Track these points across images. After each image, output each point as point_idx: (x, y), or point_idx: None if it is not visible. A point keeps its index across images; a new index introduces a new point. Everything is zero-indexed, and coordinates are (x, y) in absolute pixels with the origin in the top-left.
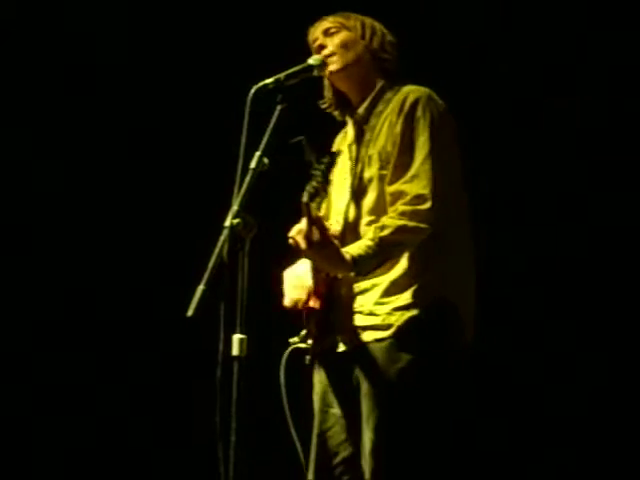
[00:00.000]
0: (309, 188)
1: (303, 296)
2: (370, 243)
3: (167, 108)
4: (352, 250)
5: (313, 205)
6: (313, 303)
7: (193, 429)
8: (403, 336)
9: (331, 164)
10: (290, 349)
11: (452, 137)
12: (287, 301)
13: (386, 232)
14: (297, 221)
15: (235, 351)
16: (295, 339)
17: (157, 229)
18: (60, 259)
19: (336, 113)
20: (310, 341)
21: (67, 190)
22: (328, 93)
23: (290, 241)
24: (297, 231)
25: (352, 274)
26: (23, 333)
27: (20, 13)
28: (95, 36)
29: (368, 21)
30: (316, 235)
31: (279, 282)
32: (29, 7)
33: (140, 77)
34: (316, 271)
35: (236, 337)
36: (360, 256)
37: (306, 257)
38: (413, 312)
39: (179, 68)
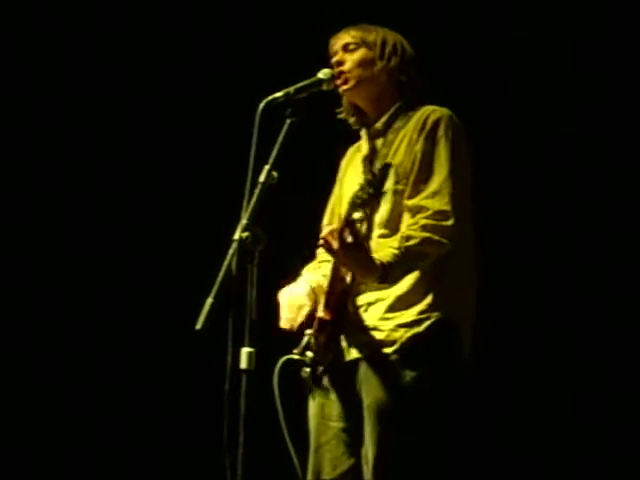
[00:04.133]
0: (357, 197)
1: (298, 318)
2: (396, 252)
3: (176, 122)
4: (380, 256)
5: (356, 216)
6: (324, 315)
7: (200, 443)
8: (407, 353)
9: (384, 178)
10: (282, 360)
11: (469, 159)
12: (283, 322)
13: (412, 243)
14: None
15: (243, 364)
16: (295, 352)
17: (166, 242)
18: (64, 274)
19: (352, 121)
20: (310, 354)
21: (77, 199)
22: (345, 102)
23: (320, 241)
24: (329, 231)
25: (377, 280)
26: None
27: (20, 12)
28: (102, 43)
29: (390, 37)
30: (348, 237)
31: (276, 303)
32: (32, 8)
33: (148, 89)
34: (333, 280)
35: (244, 350)
36: (389, 263)
37: (335, 258)
38: (417, 330)
39: (189, 80)
